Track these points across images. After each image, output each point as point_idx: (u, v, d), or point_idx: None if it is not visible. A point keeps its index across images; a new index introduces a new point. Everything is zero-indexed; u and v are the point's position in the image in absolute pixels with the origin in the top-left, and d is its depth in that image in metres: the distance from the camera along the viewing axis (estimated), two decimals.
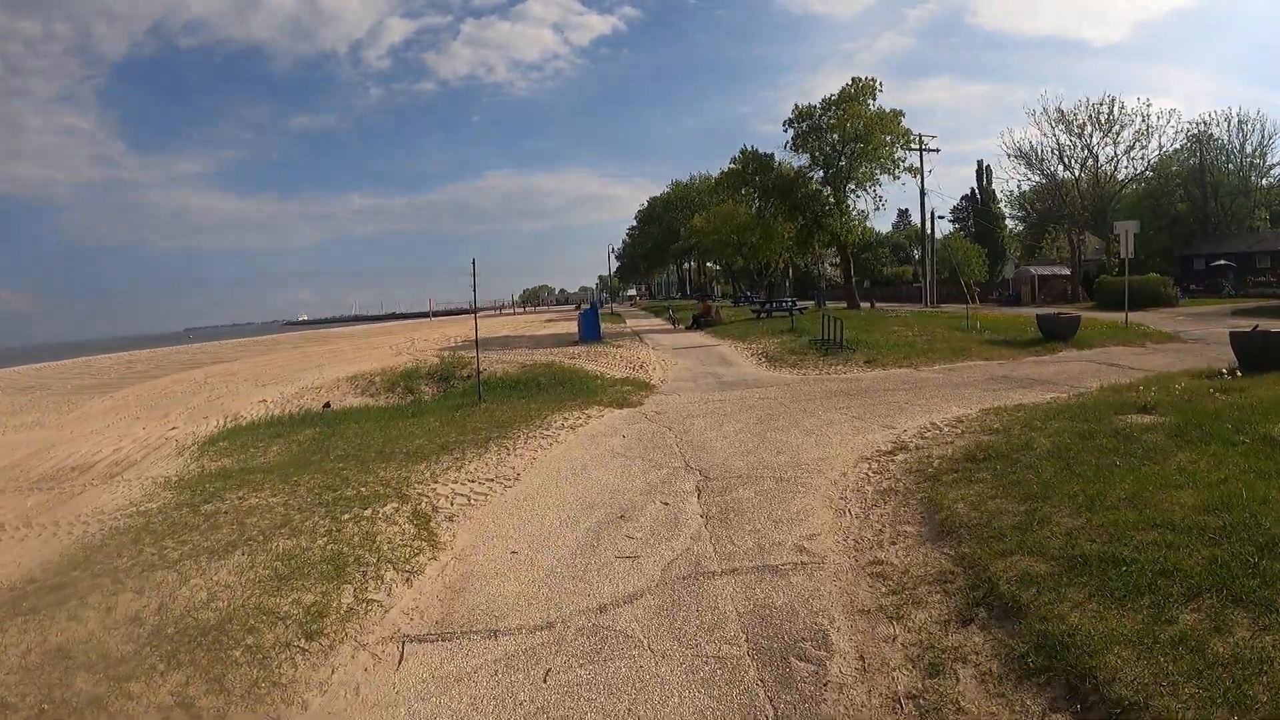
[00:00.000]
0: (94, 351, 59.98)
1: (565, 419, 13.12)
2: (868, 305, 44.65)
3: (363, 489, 9.24)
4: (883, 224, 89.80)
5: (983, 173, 73.08)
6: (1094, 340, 20.73)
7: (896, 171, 39.78)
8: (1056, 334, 21.03)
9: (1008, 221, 73.14)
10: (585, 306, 47.15)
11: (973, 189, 73.94)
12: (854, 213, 39.48)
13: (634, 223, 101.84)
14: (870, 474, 8.83)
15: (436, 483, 9.49)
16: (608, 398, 15.29)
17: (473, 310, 16.31)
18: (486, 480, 9.58)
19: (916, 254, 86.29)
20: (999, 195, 66.29)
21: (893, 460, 9.27)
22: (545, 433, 12.07)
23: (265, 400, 23.66)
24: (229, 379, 30.03)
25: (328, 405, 16.50)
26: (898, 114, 38.20)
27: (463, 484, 9.45)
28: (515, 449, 11.11)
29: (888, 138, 37.68)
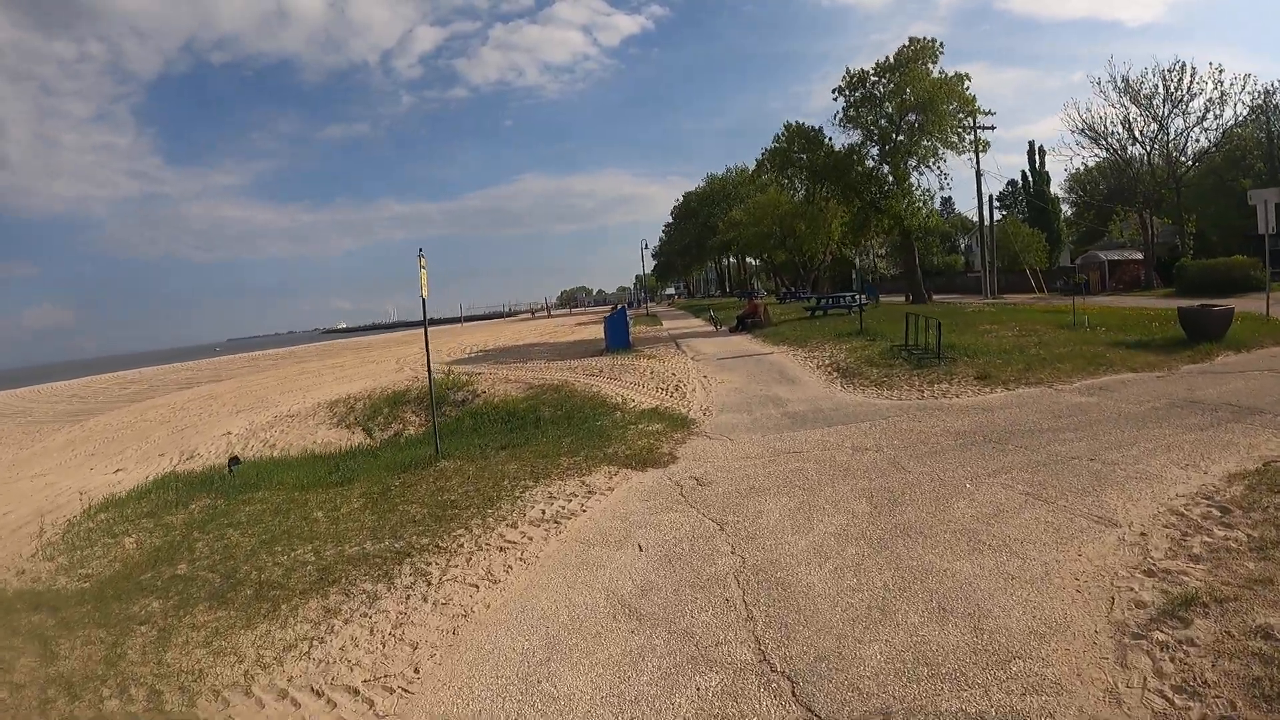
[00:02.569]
0: (123, 366, 56.60)
1: (551, 498, 7.96)
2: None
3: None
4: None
5: (1035, 154, 66.55)
6: (1246, 340, 15.24)
7: (961, 146, 33.89)
8: (1205, 332, 15.50)
9: (1062, 205, 66.87)
10: (621, 307, 41.87)
11: (1024, 171, 67.11)
12: (918, 192, 33.63)
13: (670, 219, 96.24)
14: (1176, 701, 3.69)
15: (250, 692, 4.53)
16: (626, 446, 10.12)
17: (423, 323, 11.07)
18: (347, 689, 4.51)
19: (963, 242, 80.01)
20: (1063, 174, 59.98)
21: (1193, 643, 4.18)
22: (508, 536, 6.90)
23: (230, 433, 19.76)
24: (209, 403, 25.59)
25: (235, 460, 11.65)
26: (962, 78, 32.14)
27: (295, 699, 4.43)
28: (442, 581, 6.00)
29: (951, 106, 31.75)
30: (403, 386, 20.44)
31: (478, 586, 5.86)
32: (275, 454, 16.74)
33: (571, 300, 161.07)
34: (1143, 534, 5.68)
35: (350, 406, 19.47)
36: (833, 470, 8.06)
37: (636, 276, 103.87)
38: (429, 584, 5.98)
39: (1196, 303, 18.06)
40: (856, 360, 16.36)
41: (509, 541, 6.72)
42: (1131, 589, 4.83)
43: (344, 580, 6.22)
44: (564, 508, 7.56)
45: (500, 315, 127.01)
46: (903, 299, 46.35)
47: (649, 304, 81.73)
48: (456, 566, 6.26)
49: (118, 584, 7.26)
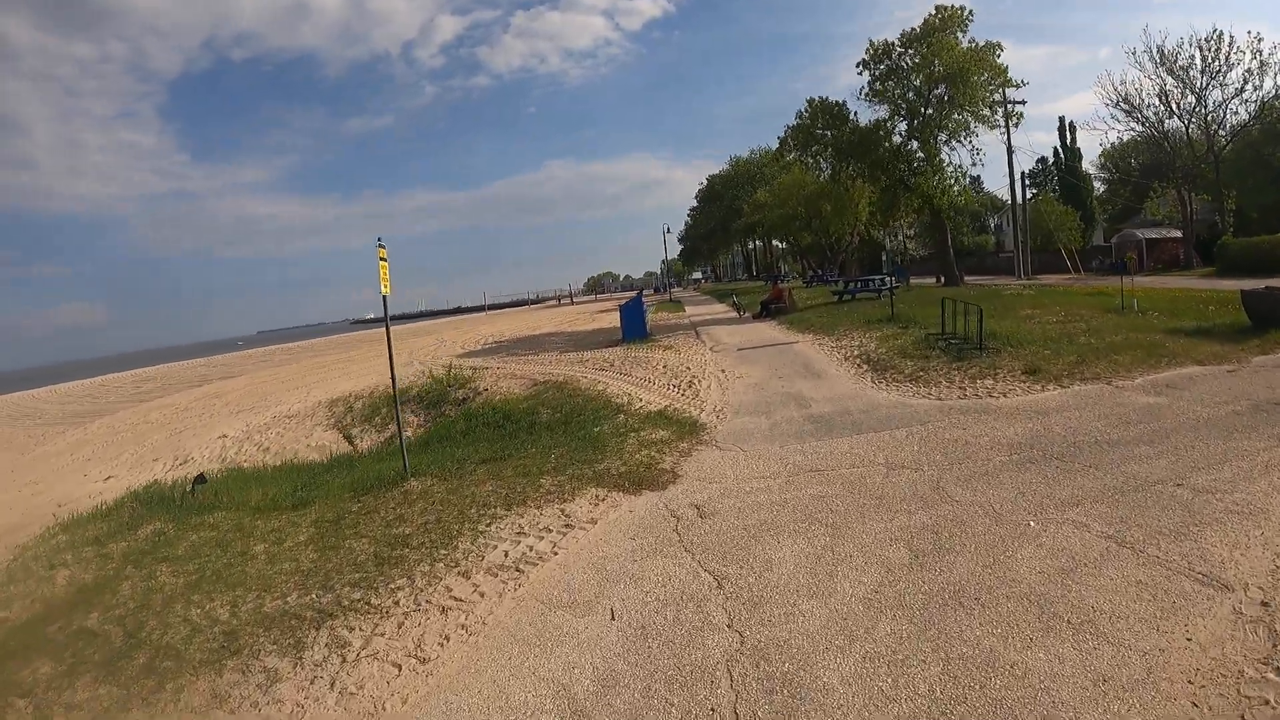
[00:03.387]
0: (147, 362, 56.27)
1: (520, 534, 6.57)
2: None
3: None
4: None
5: (1065, 130, 63.55)
6: None
7: (993, 119, 31.76)
8: (1274, 318, 13.75)
9: (1094, 183, 63.87)
10: (637, 295, 40.30)
11: (1055, 148, 64.18)
12: (949, 169, 31.41)
13: (695, 203, 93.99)
14: None
15: None
16: (622, 461, 8.72)
17: (384, 320, 9.58)
18: None
19: (993, 222, 77.17)
20: (1096, 150, 57.12)
21: None
22: (456, 590, 5.52)
23: (226, 436, 19.02)
24: (213, 403, 24.65)
25: (201, 479, 10.39)
26: (993, 47, 29.92)
27: None
28: (360, 657, 4.69)
29: (983, 77, 29.61)
30: (404, 384, 19.28)
31: (400, 667, 4.53)
32: (267, 458, 15.93)
33: (598, 286, 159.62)
34: (1264, 603, 4.20)
35: (349, 406, 18.44)
36: (863, 498, 6.60)
37: (663, 261, 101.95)
38: (343, 659, 4.67)
39: (1261, 284, 16.26)
40: (888, 351, 14.79)
41: (455, 599, 5.36)
42: (1267, 701, 3.39)
43: (248, 650, 4.94)
44: (532, 549, 6.19)
45: (526, 303, 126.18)
46: (933, 281, 44.30)
47: (673, 289, 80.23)
48: (383, 634, 4.94)
49: (26, 634, 6.24)
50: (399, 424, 9.26)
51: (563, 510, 7.07)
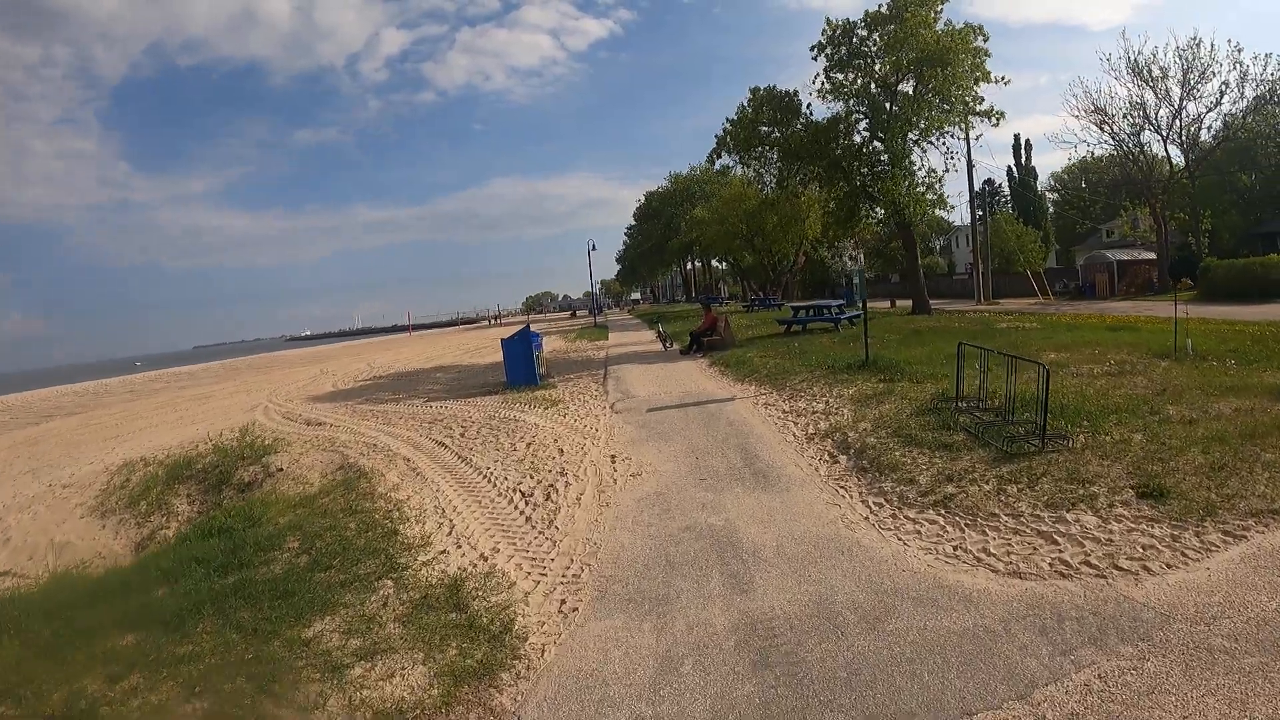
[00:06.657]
0: (56, 380, 49.14)
1: None
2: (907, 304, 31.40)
3: None
4: None
5: (1020, 149, 60.68)
6: None
7: (962, 119, 26.81)
8: None
9: (1048, 203, 61.03)
10: (524, 328, 34.40)
11: (1009, 167, 61.53)
12: (920, 174, 26.21)
13: (634, 222, 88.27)
14: None
15: None
16: None
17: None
18: None
19: (939, 243, 73.53)
20: (1054, 169, 53.75)
21: None
22: None
23: None
24: (21, 452, 18.09)
25: None
26: (973, 31, 24.91)
27: None
28: None
29: (965, 65, 24.42)
30: (198, 449, 13.39)
31: None
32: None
33: (536, 305, 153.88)
34: None
35: (127, 478, 12.78)
36: None
37: (602, 282, 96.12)
38: None
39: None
40: (877, 427, 9.22)
41: None
42: None
43: None
44: None
45: (456, 323, 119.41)
46: (888, 305, 39.74)
47: (608, 311, 74.68)
48: None
49: None
50: None
51: None
